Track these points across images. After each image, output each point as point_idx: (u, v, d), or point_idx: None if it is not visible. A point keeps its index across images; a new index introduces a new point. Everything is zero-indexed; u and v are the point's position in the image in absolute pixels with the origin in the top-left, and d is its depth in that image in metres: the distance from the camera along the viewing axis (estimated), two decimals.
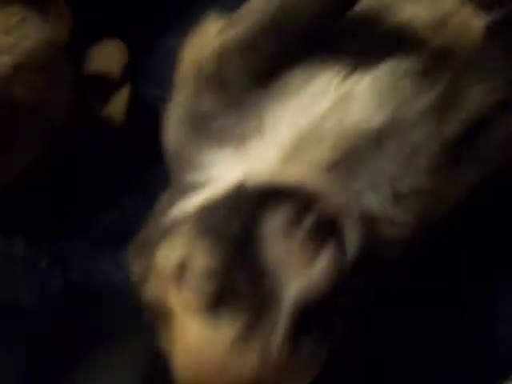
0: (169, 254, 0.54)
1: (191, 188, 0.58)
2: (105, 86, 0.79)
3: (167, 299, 0.54)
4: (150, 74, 0.79)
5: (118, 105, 0.78)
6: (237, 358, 0.51)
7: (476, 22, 0.60)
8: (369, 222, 0.56)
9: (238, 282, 0.52)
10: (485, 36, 0.59)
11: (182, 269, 0.53)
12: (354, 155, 0.56)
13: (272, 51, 0.57)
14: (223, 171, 0.57)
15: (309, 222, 0.51)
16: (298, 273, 0.51)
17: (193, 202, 0.57)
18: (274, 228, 0.52)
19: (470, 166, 0.59)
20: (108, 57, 0.81)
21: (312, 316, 0.51)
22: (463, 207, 0.61)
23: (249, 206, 0.53)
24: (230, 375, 0.51)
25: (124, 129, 0.77)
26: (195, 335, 0.52)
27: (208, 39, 0.62)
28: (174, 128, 0.62)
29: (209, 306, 0.51)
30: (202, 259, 0.52)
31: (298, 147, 0.56)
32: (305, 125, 0.57)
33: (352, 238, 0.52)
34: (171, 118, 0.62)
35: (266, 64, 0.58)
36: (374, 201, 0.56)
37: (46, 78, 0.69)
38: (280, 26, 0.57)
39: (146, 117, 0.76)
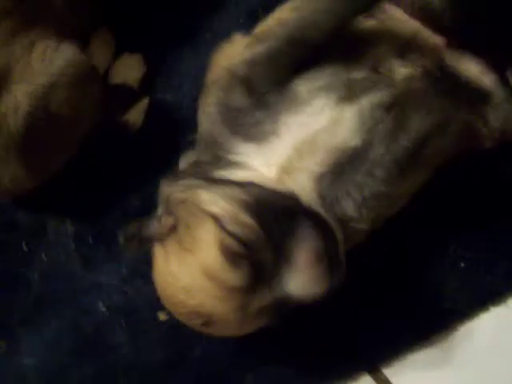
0: (212, 200, 0.68)
1: (222, 161, 0.73)
2: (126, 95, 0.90)
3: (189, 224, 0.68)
4: (165, 84, 0.92)
5: (136, 112, 0.90)
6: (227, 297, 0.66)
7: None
8: (344, 219, 0.71)
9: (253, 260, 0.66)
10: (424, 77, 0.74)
11: (216, 216, 0.67)
12: (337, 168, 0.71)
13: (289, 63, 0.72)
14: (247, 160, 0.72)
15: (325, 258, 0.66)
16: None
17: (235, 175, 0.71)
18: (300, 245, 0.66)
19: (415, 172, 0.74)
20: (128, 69, 0.91)
21: None
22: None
23: (284, 213, 0.67)
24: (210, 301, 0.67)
25: (143, 130, 0.90)
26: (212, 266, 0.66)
27: (236, 50, 0.75)
28: (208, 114, 0.75)
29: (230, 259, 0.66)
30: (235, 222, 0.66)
31: (299, 154, 0.71)
32: (304, 137, 0.71)
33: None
34: (207, 106, 0.75)
35: (285, 74, 0.72)
36: (349, 205, 0.71)
37: (78, 93, 0.79)
38: (296, 42, 0.72)
39: (163, 120, 0.91)
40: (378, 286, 0.82)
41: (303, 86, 0.73)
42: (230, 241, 0.66)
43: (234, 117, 0.73)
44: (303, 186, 0.71)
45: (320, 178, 0.71)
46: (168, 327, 0.82)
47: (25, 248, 0.87)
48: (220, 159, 0.73)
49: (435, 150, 0.75)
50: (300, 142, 0.72)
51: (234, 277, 0.66)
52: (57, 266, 0.86)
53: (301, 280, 0.66)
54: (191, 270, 0.67)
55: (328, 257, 0.66)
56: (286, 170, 0.71)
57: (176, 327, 0.80)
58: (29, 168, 0.79)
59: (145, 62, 0.92)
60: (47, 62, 0.77)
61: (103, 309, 0.84)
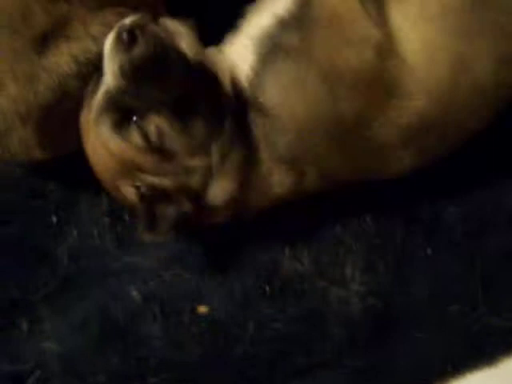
0: None
1: None
2: None
3: None
4: None
5: None
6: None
7: None
8: None
9: None
10: None
11: None
12: None
13: None
14: None
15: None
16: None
17: None
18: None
19: None
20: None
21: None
22: None
23: None
24: None
25: None
26: None
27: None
28: None
29: None
30: None
31: None
32: None
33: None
34: None
35: None
36: None
37: None
38: None
39: None
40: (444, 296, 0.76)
41: None
42: None
43: None
44: None
45: None
46: (207, 322, 0.75)
47: (54, 220, 0.80)
48: None
49: None
50: None
51: None
52: (88, 242, 0.79)
53: None
54: None
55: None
56: None
57: (216, 322, 0.75)
58: (43, 137, 0.74)
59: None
60: (106, 29, 0.71)
61: (136, 294, 0.77)
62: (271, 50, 0.67)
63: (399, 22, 0.67)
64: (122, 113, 0.68)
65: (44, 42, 0.71)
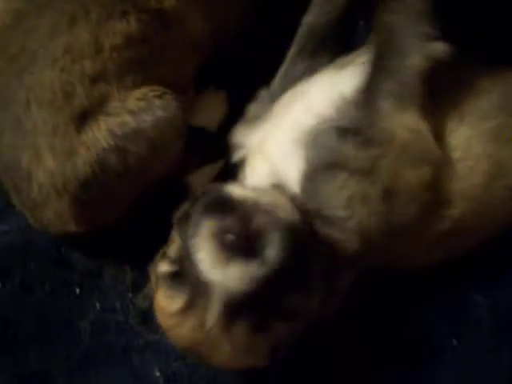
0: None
1: None
2: (203, 142, 0.83)
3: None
4: None
5: (203, 176, 0.82)
6: (179, 322, 0.62)
7: None
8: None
9: (186, 274, 0.61)
10: None
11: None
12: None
13: None
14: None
15: (231, 236, 0.59)
16: (222, 273, 0.59)
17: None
18: (208, 233, 0.60)
19: None
20: (210, 107, 0.85)
21: (245, 307, 0.60)
22: None
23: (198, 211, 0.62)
24: (175, 333, 0.63)
25: None
26: (160, 301, 0.64)
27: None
28: None
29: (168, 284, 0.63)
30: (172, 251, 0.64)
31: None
32: None
33: (271, 254, 0.59)
34: None
35: None
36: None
37: (157, 151, 0.74)
38: None
39: None
40: None
41: None
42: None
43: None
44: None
45: None
46: None
47: (77, 291, 0.79)
48: None
49: None
50: None
51: (175, 298, 0.62)
52: (111, 316, 0.78)
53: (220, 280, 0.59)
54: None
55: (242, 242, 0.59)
56: None
57: None
58: (78, 211, 0.74)
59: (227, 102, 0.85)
60: (144, 104, 0.73)
61: (158, 374, 0.76)
62: (329, 162, 0.65)
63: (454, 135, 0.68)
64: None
65: (83, 118, 0.71)
